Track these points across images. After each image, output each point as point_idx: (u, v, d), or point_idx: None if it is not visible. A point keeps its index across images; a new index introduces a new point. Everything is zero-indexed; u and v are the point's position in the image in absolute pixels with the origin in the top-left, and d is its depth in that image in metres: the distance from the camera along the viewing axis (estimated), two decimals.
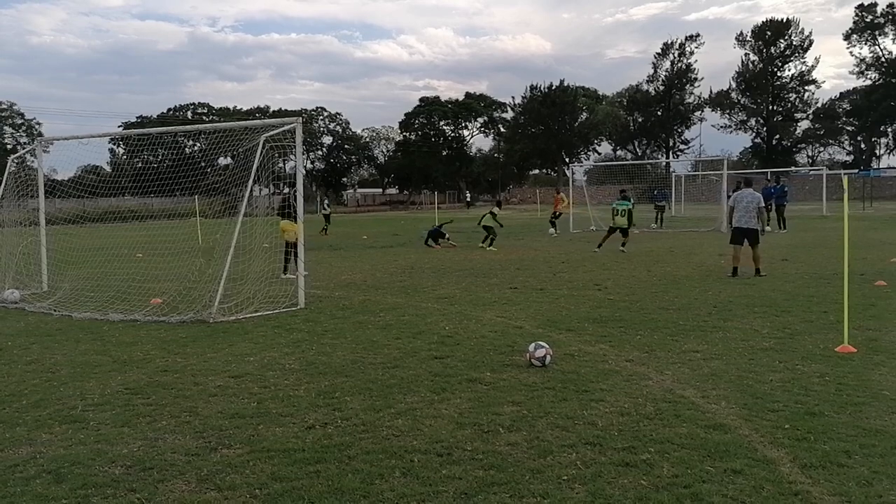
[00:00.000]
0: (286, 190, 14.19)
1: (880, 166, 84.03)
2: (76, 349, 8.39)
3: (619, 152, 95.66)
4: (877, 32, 78.29)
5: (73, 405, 6.02)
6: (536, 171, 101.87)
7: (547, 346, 7.00)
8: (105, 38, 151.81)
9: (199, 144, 63.74)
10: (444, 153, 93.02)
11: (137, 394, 6.33)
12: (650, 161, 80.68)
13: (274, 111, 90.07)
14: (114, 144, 69.71)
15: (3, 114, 79.22)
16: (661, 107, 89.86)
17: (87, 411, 5.84)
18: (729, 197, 28.50)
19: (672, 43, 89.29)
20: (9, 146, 73.50)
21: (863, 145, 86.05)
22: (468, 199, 31.67)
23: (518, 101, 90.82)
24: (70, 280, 13.50)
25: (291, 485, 4.23)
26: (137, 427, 5.40)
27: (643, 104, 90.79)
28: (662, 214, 32.45)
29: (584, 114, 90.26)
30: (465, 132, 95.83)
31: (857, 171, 60.58)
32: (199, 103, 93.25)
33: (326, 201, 37.97)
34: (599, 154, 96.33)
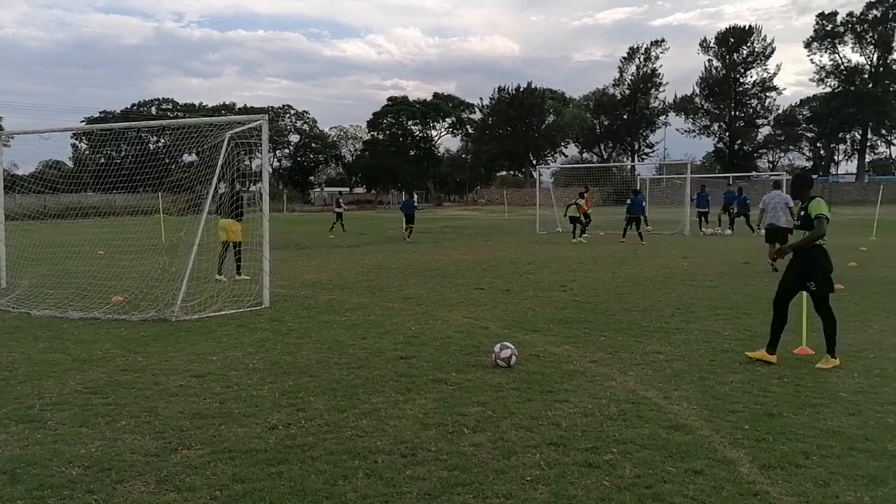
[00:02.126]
0: (237, 187, 13.84)
1: (838, 172, 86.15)
2: (34, 347, 8.20)
3: (585, 155, 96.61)
4: (836, 41, 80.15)
5: (31, 404, 5.88)
6: (504, 173, 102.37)
7: (512, 347, 7.03)
8: (68, 32, 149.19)
9: (163, 140, 62.71)
10: (412, 153, 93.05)
11: (96, 393, 6.20)
12: (616, 164, 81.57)
13: (240, 108, 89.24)
14: (76, 140, 68.39)
15: None
16: (626, 110, 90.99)
17: (45, 411, 5.71)
18: (692, 200, 29.31)
19: (638, 47, 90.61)
20: None
21: (822, 151, 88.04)
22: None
23: (486, 102, 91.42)
24: (29, 277, 13.21)
25: (253, 486, 4.19)
26: (96, 427, 5.29)
27: (609, 107, 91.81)
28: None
29: (552, 116, 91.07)
30: (433, 132, 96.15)
31: (815, 176, 61.92)
32: (163, 99, 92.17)
33: (340, 199, 37.47)
34: (566, 156, 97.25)
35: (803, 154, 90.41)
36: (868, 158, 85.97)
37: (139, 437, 5.05)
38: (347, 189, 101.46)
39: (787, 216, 14.47)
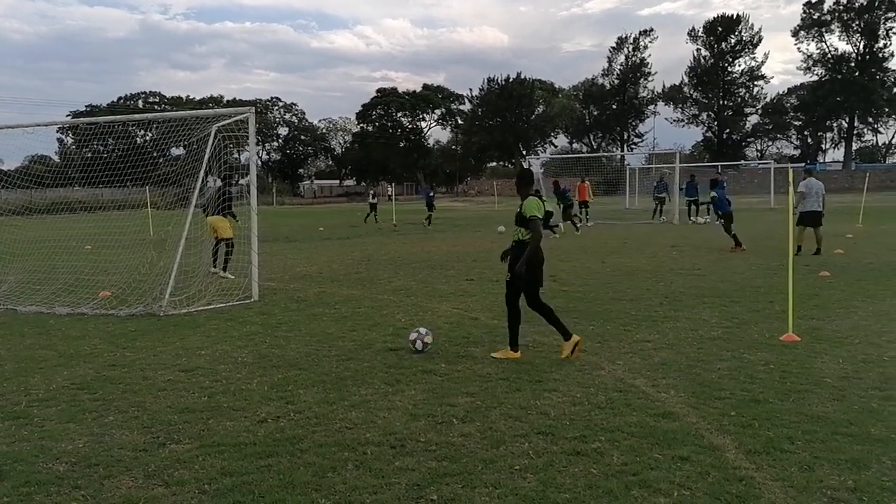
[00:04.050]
0: (218, 183, 13.49)
1: (826, 160, 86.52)
2: (21, 343, 8.16)
3: (574, 145, 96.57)
4: (823, 29, 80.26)
5: (17, 401, 5.86)
6: (494, 164, 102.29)
7: (422, 332, 7.21)
8: (52, 25, 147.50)
9: (150, 134, 62.46)
10: (402, 145, 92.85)
11: (84, 389, 6.18)
12: (605, 154, 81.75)
13: (228, 101, 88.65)
14: (62, 134, 67.84)
15: None
16: (615, 100, 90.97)
17: (32, 407, 5.69)
18: (681, 190, 29.47)
19: (626, 37, 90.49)
20: None
21: (809, 140, 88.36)
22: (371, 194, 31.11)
23: (475, 93, 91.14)
24: (15, 273, 13.12)
25: (242, 479, 4.19)
26: (83, 423, 5.28)
27: (598, 97, 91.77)
28: (662, 206, 30.81)
29: (541, 106, 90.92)
30: (423, 124, 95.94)
31: (803, 164, 62.25)
32: (150, 92, 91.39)
33: (372, 192, 37.39)
34: (556, 147, 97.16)
35: (791, 143, 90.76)
36: (855, 146, 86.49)
37: (127, 433, 5.04)
38: (337, 181, 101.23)
39: (822, 202, 15.33)
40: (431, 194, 32.33)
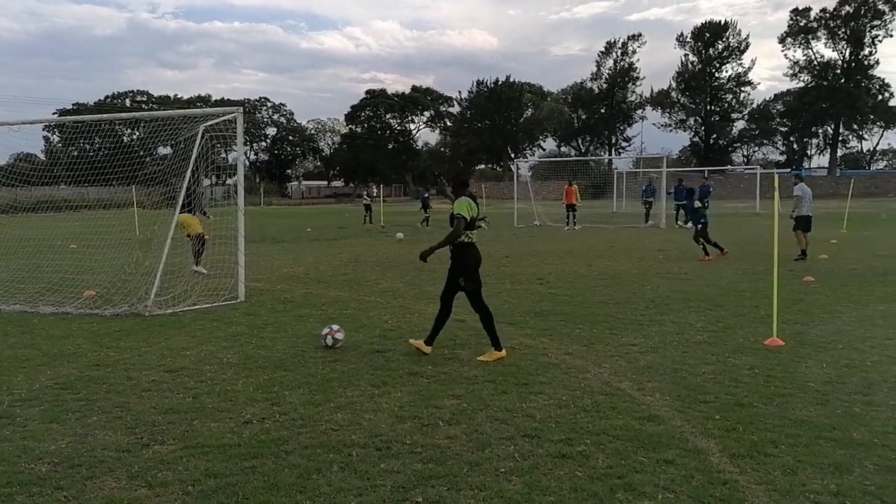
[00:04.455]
0: (205, 183, 13.81)
1: (811, 166, 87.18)
2: (4, 342, 8.09)
3: (563, 148, 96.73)
4: (810, 36, 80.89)
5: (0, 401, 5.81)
6: (482, 166, 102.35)
7: (333, 329, 7.54)
8: (40, 22, 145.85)
9: (137, 133, 61.95)
10: (391, 146, 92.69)
11: (67, 389, 6.13)
12: (593, 158, 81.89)
13: (216, 100, 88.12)
14: (48, 132, 67.30)
15: None
16: (604, 104, 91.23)
17: (14, 407, 5.64)
18: (669, 194, 29.63)
19: (615, 42, 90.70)
20: None
21: (795, 145, 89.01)
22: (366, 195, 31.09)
23: (464, 95, 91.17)
24: None
25: (226, 481, 4.16)
26: (66, 423, 5.23)
27: (587, 101, 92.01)
28: (650, 210, 31.10)
29: (530, 110, 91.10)
30: (412, 126, 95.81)
31: (789, 170, 62.70)
32: (138, 91, 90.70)
33: (366, 192, 37.10)
34: (544, 150, 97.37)
35: (777, 148, 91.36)
36: (840, 153, 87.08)
37: (110, 433, 5.01)
38: (325, 182, 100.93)
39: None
40: (426, 195, 32.38)
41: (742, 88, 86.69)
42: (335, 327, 7.66)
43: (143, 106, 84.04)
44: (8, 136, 14.44)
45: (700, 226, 16.49)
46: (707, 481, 4.09)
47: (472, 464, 4.39)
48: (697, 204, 17.64)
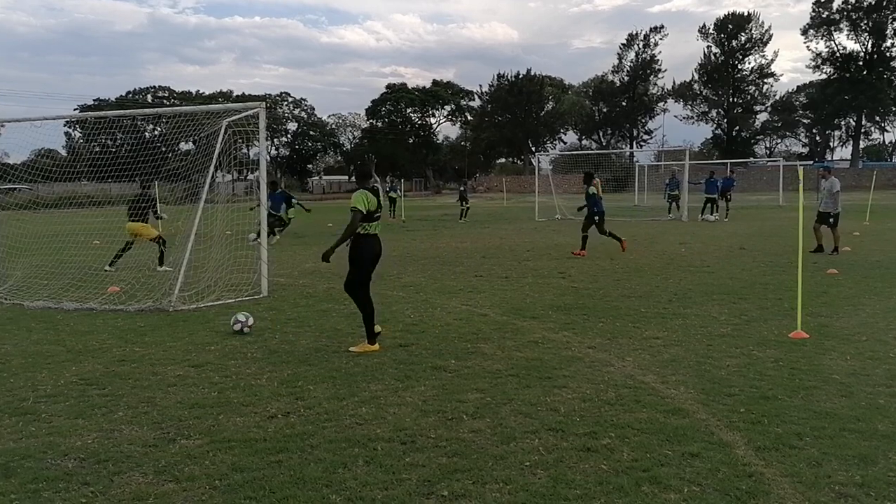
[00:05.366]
0: (145, 189, 14.27)
1: (834, 158, 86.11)
2: (28, 339, 8.18)
3: (584, 142, 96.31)
4: (832, 28, 79.71)
5: (24, 397, 5.87)
6: (503, 160, 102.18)
7: (243, 318, 8.05)
8: (59, 17, 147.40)
9: (159, 129, 62.47)
10: (411, 141, 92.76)
11: (93, 384, 6.19)
12: (614, 151, 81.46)
13: (237, 96, 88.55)
14: (69, 128, 68.05)
15: None
16: (625, 97, 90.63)
17: (39, 403, 5.70)
18: (695, 185, 29.40)
19: (637, 34, 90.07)
20: None
21: (817, 137, 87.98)
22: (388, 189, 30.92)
23: (485, 89, 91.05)
24: (22, 268, 13.12)
25: (252, 475, 4.19)
26: (92, 419, 5.28)
27: (608, 94, 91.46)
28: (677, 203, 30.39)
29: (551, 103, 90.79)
30: (432, 120, 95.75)
31: (811, 162, 61.97)
32: (159, 86, 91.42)
33: (388, 186, 37.08)
34: (565, 143, 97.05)
35: (799, 140, 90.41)
36: (862, 144, 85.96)
37: (136, 428, 5.05)
38: (346, 177, 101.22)
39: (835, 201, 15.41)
40: (463, 189, 33.04)
41: (765, 80, 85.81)
42: (241, 317, 8.16)
43: (165, 101, 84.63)
44: (29, 131, 14.60)
45: (597, 217, 16.11)
46: (733, 474, 4.06)
47: (497, 457, 4.39)
48: (593, 190, 16.43)
